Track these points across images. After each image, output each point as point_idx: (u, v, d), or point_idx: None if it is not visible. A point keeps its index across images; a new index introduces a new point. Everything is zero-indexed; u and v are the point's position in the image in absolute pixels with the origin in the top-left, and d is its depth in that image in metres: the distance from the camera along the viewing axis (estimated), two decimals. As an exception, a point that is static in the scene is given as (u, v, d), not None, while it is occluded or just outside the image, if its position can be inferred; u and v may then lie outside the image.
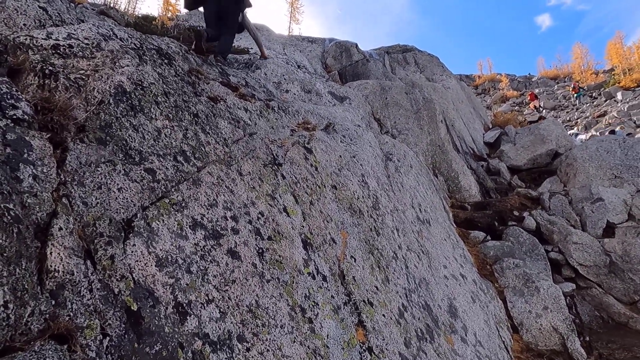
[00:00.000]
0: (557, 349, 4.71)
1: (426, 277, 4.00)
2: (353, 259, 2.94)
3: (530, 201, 7.59)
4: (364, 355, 2.33)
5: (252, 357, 1.66)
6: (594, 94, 34.41)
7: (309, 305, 2.21)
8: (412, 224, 4.69)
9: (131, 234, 1.57)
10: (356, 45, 12.44)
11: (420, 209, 5.29)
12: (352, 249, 3.04)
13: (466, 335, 3.80)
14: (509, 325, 4.93)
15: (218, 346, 1.56)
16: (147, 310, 1.42)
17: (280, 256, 2.26)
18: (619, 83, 33.07)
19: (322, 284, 2.47)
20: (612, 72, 39.02)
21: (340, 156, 4.16)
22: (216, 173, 2.28)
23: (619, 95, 29.21)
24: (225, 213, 2.11)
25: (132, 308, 1.38)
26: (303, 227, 2.70)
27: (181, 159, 2.11)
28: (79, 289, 1.30)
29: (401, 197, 4.95)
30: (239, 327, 1.71)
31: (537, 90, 40.84)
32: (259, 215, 2.35)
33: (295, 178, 3.07)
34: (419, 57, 14.69)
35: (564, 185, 8.32)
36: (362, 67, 11.37)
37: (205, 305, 1.64)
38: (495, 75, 60.56)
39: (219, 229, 1.99)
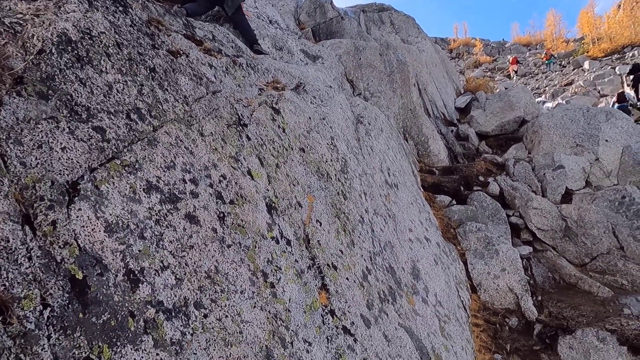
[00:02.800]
0: (512, 307, 4.98)
1: (391, 241, 4.07)
2: (319, 223, 2.92)
3: (495, 167, 7.77)
4: (326, 318, 2.36)
5: (210, 323, 1.63)
6: (563, 62, 35.00)
7: (272, 270, 2.18)
8: (380, 187, 4.71)
9: (77, 198, 1.46)
10: (331, 1, 11.97)
11: (389, 173, 5.31)
12: (318, 213, 3.01)
13: (427, 296, 3.93)
14: (468, 285, 5.14)
15: (173, 314, 1.52)
16: (94, 279, 1.34)
17: (242, 220, 2.20)
18: (587, 52, 33.68)
19: (286, 248, 2.44)
20: (582, 41, 39.61)
21: (310, 118, 4.06)
22: (175, 133, 2.15)
23: (586, 65, 29.82)
24: (184, 176, 2.01)
25: (76, 276, 1.29)
26: (268, 190, 2.63)
27: (135, 117, 1.96)
28: (15, 257, 1.20)
29: (370, 161, 4.94)
30: (197, 294, 1.66)
31: (508, 57, 41.08)
32: (221, 179, 2.26)
33: (262, 140, 2.96)
34: (395, 18, 14.35)
35: (528, 152, 8.55)
36: (337, 25, 10.99)
37: (159, 272, 1.57)
38: (470, 40, 60.35)
39: (177, 193, 1.89)
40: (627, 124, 7.69)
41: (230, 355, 1.60)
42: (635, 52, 28.34)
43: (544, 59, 34.59)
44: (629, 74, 17.56)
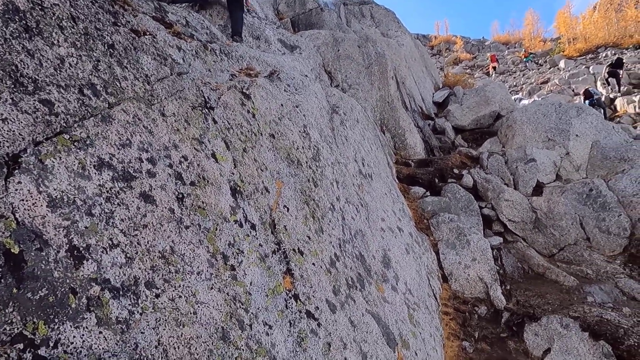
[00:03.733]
0: (481, 296, 5.07)
1: (363, 229, 4.07)
2: (286, 209, 2.89)
3: (470, 160, 7.88)
4: (289, 302, 2.33)
5: (162, 303, 1.58)
6: (539, 61, 35.73)
7: (233, 253, 2.14)
8: (353, 177, 4.71)
9: (17, 171, 1.39)
10: (311, -8, 11.87)
11: (363, 163, 5.31)
12: (286, 199, 2.98)
13: (397, 284, 3.95)
14: (439, 275, 5.21)
15: (121, 292, 1.46)
16: (32, 254, 1.27)
17: (203, 202, 2.15)
18: (563, 52, 34.47)
19: (250, 232, 2.40)
20: (559, 41, 40.51)
21: (282, 105, 4.01)
22: (132, 111, 2.08)
23: (562, 64, 30.52)
24: (141, 154, 1.94)
25: (12, 251, 1.23)
26: (233, 174, 2.58)
27: (89, 93, 1.89)
28: (-58, 228, 1.14)
29: (344, 151, 4.93)
30: (148, 273, 1.61)
31: (488, 54, 41.67)
32: (182, 159, 2.20)
33: (229, 124, 2.91)
34: (375, 11, 14.36)
35: (503, 146, 8.70)
36: (316, 16, 10.93)
37: (108, 250, 1.51)
38: (450, 37, 61.00)
39: (132, 171, 1.83)
40: (596, 120, 7.91)
41: (182, 335, 1.55)
42: (609, 53, 29.15)
43: (523, 56, 35.29)
44: (608, 66, 18.08)
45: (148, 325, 1.47)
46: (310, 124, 4.36)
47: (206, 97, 2.87)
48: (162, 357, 1.43)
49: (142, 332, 1.43)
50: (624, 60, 20.32)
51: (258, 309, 2.07)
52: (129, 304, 1.46)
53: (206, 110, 2.77)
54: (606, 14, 37.37)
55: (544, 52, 38.54)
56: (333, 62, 8.61)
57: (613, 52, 29.26)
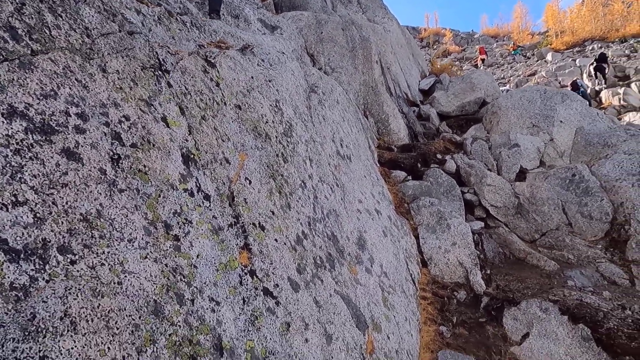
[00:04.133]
0: (461, 281, 4.93)
1: (337, 209, 3.89)
2: (248, 181, 2.68)
3: (454, 145, 7.74)
4: (244, 278, 2.14)
5: (78, 270, 1.37)
6: (527, 54, 35.83)
7: (179, 223, 1.93)
8: (329, 157, 4.51)
9: None
10: (296, -26, 11.54)
11: (341, 144, 5.12)
12: (249, 172, 2.77)
13: (372, 266, 3.78)
14: (419, 259, 5.06)
15: (22, 255, 1.25)
16: None
17: (145, 166, 1.93)
18: (550, 45, 34.60)
19: (203, 202, 2.19)
20: (546, 34, 40.68)
21: (253, 77, 3.78)
22: (63, 62, 1.84)
23: (549, 57, 30.62)
24: (69, 108, 1.71)
25: None
26: (187, 141, 2.36)
27: (6, 36, 1.65)
28: None
29: (321, 130, 4.72)
30: (64, 237, 1.39)
31: (477, 47, 41.69)
32: (123, 119, 1.97)
33: (186, 89, 2.68)
34: (362, -3, 14.08)
35: (487, 132, 8.58)
36: (301, -2, 10.63)
37: (10, 207, 1.29)
38: (440, 30, 60.93)
39: (54, 124, 1.60)
40: (581, 106, 7.81)
41: (98, 306, 1.34)
42: (595, 46, 29.32)
43: (512, 49, 35.39)
44: (594, 61, 18.20)
45: (54, 293, 1.26)
46: (283, 99, 4.14)
47: (161, 60, 2.63)
48: (68, 330, 1.23)
49: (44, 302, 1.22)
50: (608, 55, 20.46)
51: (204, 283, 1.87)
52: (32, 269, 1.25)
53: (160, 72, 2.53)
54: (593, 7, 37.59)
55: (531, 45, 38.64)
56: (316, 45, 8.36)
57: (599, 45, 29.45)
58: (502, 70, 32.95)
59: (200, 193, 2.21)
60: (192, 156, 2.32)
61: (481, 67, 32.29)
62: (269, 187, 2.86)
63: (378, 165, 6.51)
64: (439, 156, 7.17)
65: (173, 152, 2.19)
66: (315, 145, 4.25)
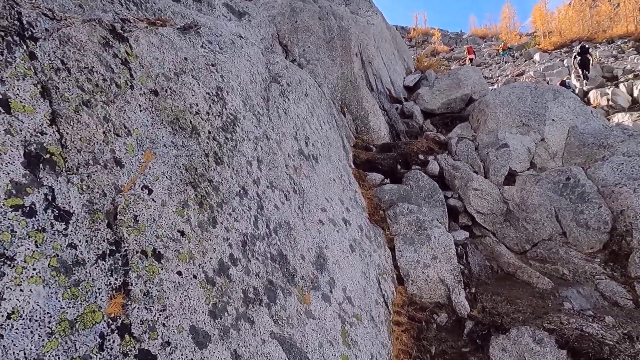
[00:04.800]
0: (442, 301, 4.28)
1: (291, 221, 3.19)
2: (146, 191, 1.96)
3: (438, 145, 7.10)
4: (108, 340, 1.43)
5: None
6: (515, 54, 35.63)
7: (-16, 261, 1.22)
8: (288, 157, 3.82)
9: None
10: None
11: (306, 143, 4.43)
12: (153, 177, 2.05)
13: (332, 291, 3.10)
14: (394, 276, 4.39)
15: None
16: None
17: None
18: (538, 45, 34.44)
19: (52, 225, 1.48)
20: (534, 35, 40.61)
21: (187, 59, 3.07)
22: None
23: (537, 57, 30.40)
24: None
25: None
26: (43, 134, 1.65)
27: None
28: None
29: (280, 125, 4.02)
30: None
31: (465, 47, 41.55)
32: None
33: (63, 64, 1.95)
34: (345, -12, 13.40)
35: (474, 131, 7.96)
36: (276, -14, 9.90)
37: None
38: (429, 30, 60.79)
39: None
40: (574, 104, 7.24)
41: None
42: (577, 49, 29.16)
43: (501, 49, 35.18)
44: (576, 55, 17.93)
45: None
46: (230, 87, 3.43)
47: (25, 22, 1.90)
48: None
49: None
50: (588, 47, 20.29)
51: (23, 355, 1.15)
52: None
53: (17, 38, 1.80)
54: (581, 9, 37.57)
55: (519, 46, 38.50)
56: (290, 35, 7.65)
57: (587, 46, 29.30)
58: (490, 70, 32.66)
59: (50, 211, 1.50)
60: (47, 156, 1.61)
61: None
62: (183, 198, 2.14)
63: (353, 166, 5.83)
64: (421, 157, 6.52)
65: (9, 149, 1.47)
66: (269, 144, 3.55)
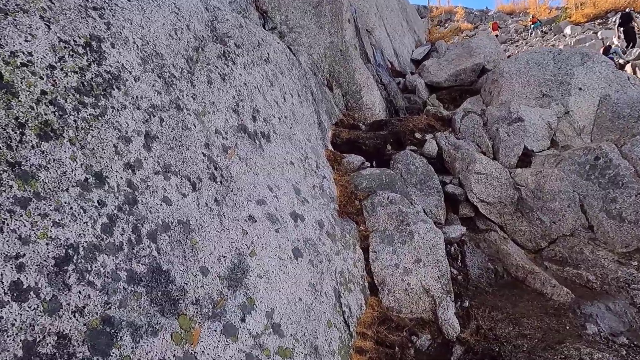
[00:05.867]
0: (426, 317, 3.34)
1: (193, 220, 2.30)
2: None
3: (439, 122, 6.03)
4: None
5: None
6: (544, 29, 33.29)
7: None
8: (215, 134, 2.92)
9: None
10: None
11: (254, 117, 3.51)
12: None
13: (244, 318, 2.20)
14: (366, 284, 3.46)
15: None
16: None
17: None
18: (569, 18, 32.01)
19: None
20: (565, 8, 37.89)
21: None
22: None
23: (567, 30, 28.18)
24: None
25: None
26: None
27: None
28: None
29: (209, 94, 3.11)
30: None
31: (489, 23, 39.29)
32: None
33: None
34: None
35: (485, 106, 6.82)
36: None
37: None
38: (452, 8, 58.00)
39: None
40: (606, 69, 6.01)
41: None
42: (618, 17, 26.76)
43: (531, 22, 32.93)
44: (619, 25, 16.28)
45: None
46: (118, 39, 2.53)
47: None
48: None
49: None
50: (633, 15, 18.34)
51: None
52: None
53: None
54: (618, -24, 34.72)
55: (549, 20, 35.94)
56: (269, -1, 6.66)
57: (631, 13, 26.94)
58: (516, 46, 30.58)
59: None
60: None
61: (494, 42, 30.00)
62: None
63: (330, 147, 4.87)
64: (417, 135, 5.48)
65: None
66: (179, 116, 2.65)
